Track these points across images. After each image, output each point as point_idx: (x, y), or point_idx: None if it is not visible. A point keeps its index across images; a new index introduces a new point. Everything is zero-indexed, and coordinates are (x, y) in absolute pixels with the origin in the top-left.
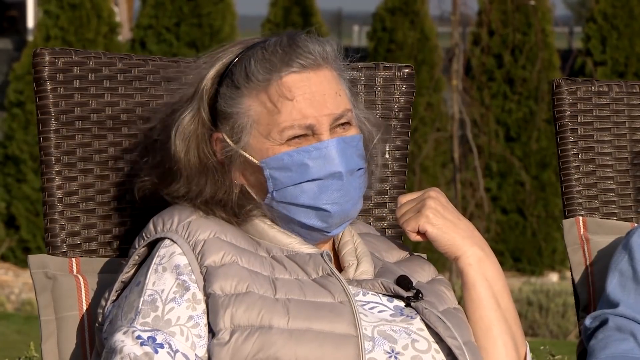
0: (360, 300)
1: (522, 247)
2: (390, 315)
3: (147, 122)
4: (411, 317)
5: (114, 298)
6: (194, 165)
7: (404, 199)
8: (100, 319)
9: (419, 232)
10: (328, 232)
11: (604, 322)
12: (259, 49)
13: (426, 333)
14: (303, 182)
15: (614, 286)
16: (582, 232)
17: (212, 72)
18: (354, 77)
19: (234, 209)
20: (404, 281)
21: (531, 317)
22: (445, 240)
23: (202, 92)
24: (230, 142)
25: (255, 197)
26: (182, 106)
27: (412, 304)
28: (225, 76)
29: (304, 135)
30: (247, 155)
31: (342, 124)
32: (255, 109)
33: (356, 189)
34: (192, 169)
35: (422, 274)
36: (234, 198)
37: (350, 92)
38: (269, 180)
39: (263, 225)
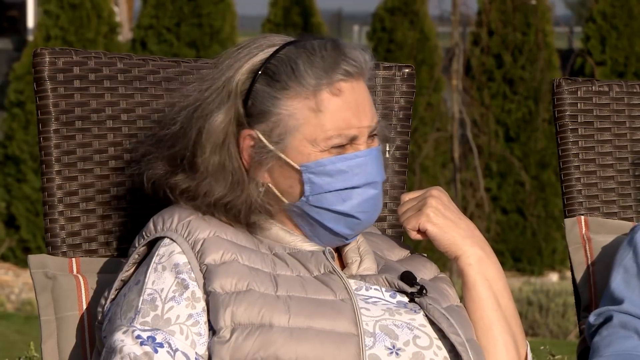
0: (362, 295)
1: (522, 247)
2: (394, 306)
3: (148, 122)
4: (414, 312)
5: (114, 297)
6: (214, 164)
7: (406, 196)
8: (100, 318)
9: (419, 231)
10: (347, 240)
11: (608, 319)
12: (303, 52)
13: (429, 329)
14: (342, 190)
15: (618, 283)
16: (583, 232)
17: (246, 67)
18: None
19: (238, 215)
20: (408, 277)
21: (531, 317)
22: (445, 239)
23: (235, 88)
24: (267, 143)
25: (282, 198)
26: (211, 101)
27: (416, 299)
28: (262, 73)
29: (344, 145)
30: (285, 157)
31: (374, 136)
32: (302, 113)
33: (382, 199)
34: (211, 168)
35: (425, 272)
36: (256, 197)
37: (374, 102)
38: (307, 185)
39: (265, 223)
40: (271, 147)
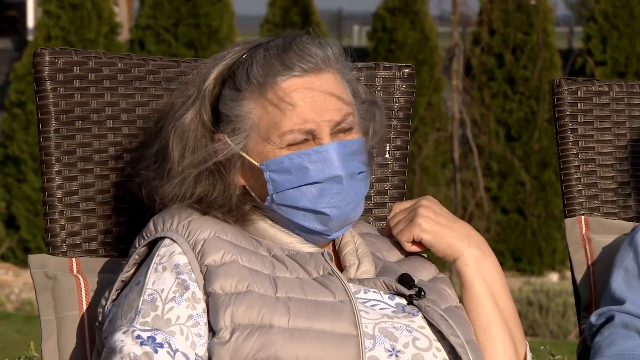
0: (361, 298)
1: (522, 247)
2: (392, 312)
3: (148, 122)
4: (413, 314)
5: (114, 297)
6: (187, 165)
7: (397, 208)
8: (100, 318)
9: (414, 242)
10: (328, 235)
11: (609, 319)
12: (262, 51)
13: (428, 331)
14: (302, 185)
15: (619, 283)
16: (584, 232)
17: (214, 73)
18: (357, 76)
19: (231, 210)
20: (406, 279)
21: (531, 317)
22: (441, 245)
23: (204, 93)
24: (231, 144)
25: (257, 198)
26: (183, 106)
27: (414, 301)
28: (228, 78)
29: (305, 140)
30: (247, 157)
31: (344, 130)
32: (256, 112)
33: (357, 192)
34: (185, 170)
35: (424, 272)
36: (234, 199)
37: (353, 93)
38: (269, 183)
39: (264, 225)
40: (234, 147)
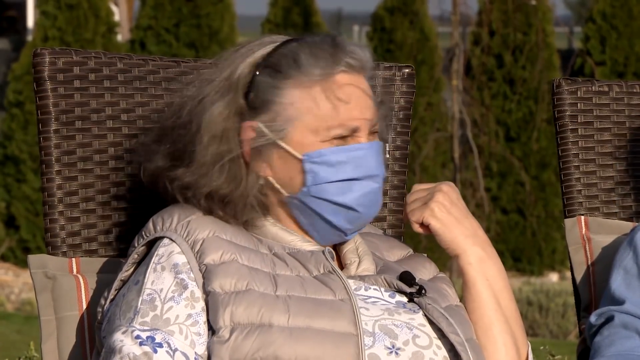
0: (361, 295)
1: (522, 247)
2: (393, 307)
3: (148, 121)
4: (414, 312)
5: (113, 297)
6: (213, 154)
7: (417, 187)
8: (99, 318)
9: (422, 225)
10: (346, 235)
11: (609, 319)
12: (305, 45)
13: (428, 329)
14: (341, 181)
15: (618, 284)
16: (583, 232)
17: (248, 61)
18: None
19: (234, 209)
20: (406, 277)
21: (531, 317)
22: (446, 236)
23: (237, 81)
24: (268, 133)
25: (281, 190)
26: (212, 95)
27: (415, 299)
28: (265, 66)
29: (346, 136)
30: (287, 147)
31: (374, 132)
32: (304, 102)
33: (381, 194)
34: (209, 159)
35: (424, 272)
36: (254, 190)
37: (376, 102)
38: (308, 174)
39: (265, 223)
40: (272, 137)
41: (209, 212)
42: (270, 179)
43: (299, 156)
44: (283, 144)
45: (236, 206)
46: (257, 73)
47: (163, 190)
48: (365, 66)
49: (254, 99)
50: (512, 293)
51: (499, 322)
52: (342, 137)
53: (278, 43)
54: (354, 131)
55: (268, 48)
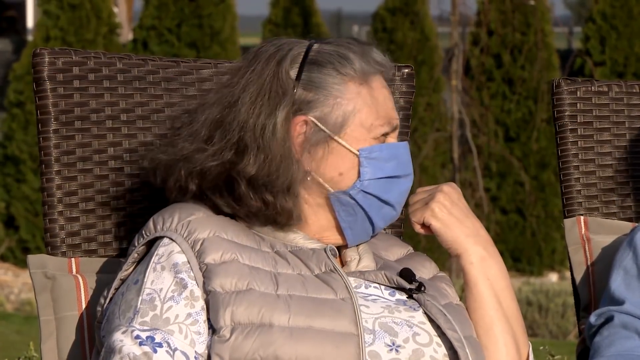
0: (362, 293)
1: (521, 247)
2: (394, 304)
3: (148, 122)
4: (414, 309)
5: (112, 296)
6: (277, 160)
7: (419, 190)
8: (99, 317)
9: (423, 225)
10: (373, 234)
11: (609, 319)
12: (340, 45)
13: (428, 326)
14: (390, 177)
15: (618, 284)
16: (583, 232)
17: (288, 59)
18: None
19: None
20: (406, 273)
21: (531, 317)
22: (447, 236)
23: (285, 85)
24: (323, 127)
25: (325, 185)
26: (263, 97)
27: (414, 295)
28: (309, 63)
29: (384, 134)
30: (342, 141)
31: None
32: (359, 98)
33: None
34: (274, 166)
35: (424, 271)
36: (296, 186)
37: None
38: (363, 168)
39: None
40: (327, 131)
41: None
42: (315, 175)
43: (355, 151)
44: (338, 139)
45: (285, 192)
46: (303, 70)
47: (174, 183)
48: (388, 71)
49: (304, 95)
50: (513, 292)
51: (500, 322)
52: (384, 135)
53: (307, 43)
54: (394, 130)
55: (302, 47)
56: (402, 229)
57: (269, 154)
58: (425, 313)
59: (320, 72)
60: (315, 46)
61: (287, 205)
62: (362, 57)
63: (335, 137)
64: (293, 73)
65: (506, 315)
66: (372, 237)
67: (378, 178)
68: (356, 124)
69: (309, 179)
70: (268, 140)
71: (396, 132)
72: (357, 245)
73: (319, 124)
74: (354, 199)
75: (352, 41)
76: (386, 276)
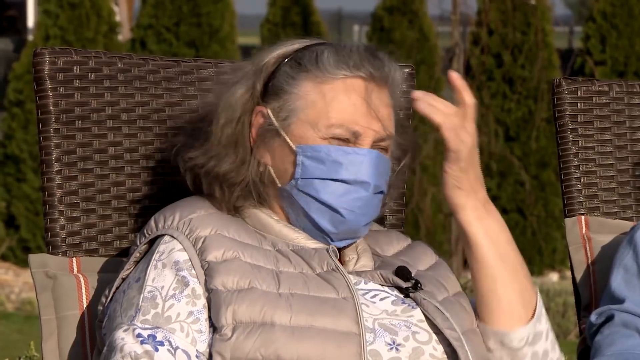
0: (362, 289)
1: (522, 247)
2: (392, 302)
3: (148, 121)
4: (412, 307)
5: (113, 295)
6: (227, 136)
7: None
8: (100, 316)
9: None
10: (332, 240)
11: (609, 318)
12: (333, 46)
13: (426, 325)
14: (330, 180)
15: (618, 282)
16: (584, 231)
17: (277, 53)
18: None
19: (230, 193)
20: (402, 271)
21: None
22: (458, 174)
23: (262, 67)
24: (274, 119)
25: (276, 180)
26: (238, 80)
27: (410, 294)
28: (291, 58)
29: (347, 139)
30: (286, 136)
31: (382, 148)
32: (311, 96)
33: (374, 207)
34: (224, 140)
35: (424, 259)
36: (254, 177)
37: (395, 121)
38: (299, 167)
39: (269, 220)
40: (277, 123)
41: (208, 191)
42: (269, 167)
43: (294, 147)
44: (283, 133)
45: (234, 190)
46: (282, 64)
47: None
48: (390, 81)
49: (270, 86)
50: (514, 245)
51: (503, 280)
52: (344, 140)
53: (313, 42)
54: (355, 136)
55: (297, 46)
56: (403, 228)
57: (222, 141)
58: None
59: (289, 67)
60: (314, 46)
61: (242, 195)
62: (337, 58)
63: (281, 131)
64: (272, 67)
65: (508, 270)
66: (339, 242)
67: (316, 178)
68: (303, 120)
69: (261, 169)
70: (226, 127)
71: (367, 140)
72: (356, 245)
73: (271, 115)
74: (293, 196)
75: (359, 46)
76: (382, 276)
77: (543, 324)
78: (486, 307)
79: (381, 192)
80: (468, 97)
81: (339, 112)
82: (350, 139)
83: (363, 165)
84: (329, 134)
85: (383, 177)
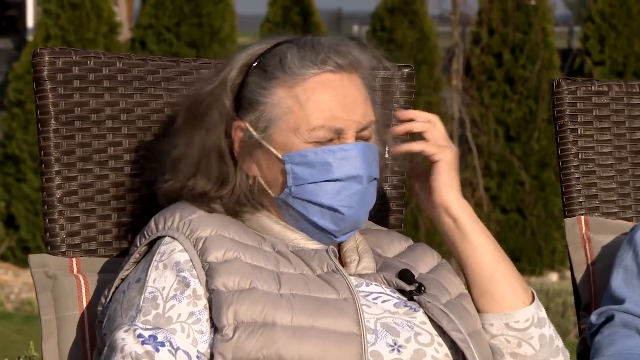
0: (363, 291)
1: (521, 247)
2: (394, 305)
3: (148, 121)
4: (414, 310)
5: (112, 295)
6: (201, 152)
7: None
8: (100, 316)
9: (429, 158)
10: (336, 237)
11: (609, 318)
12: (293, 45)
13: (429, 326)
14: (323, 181)
15: (618, 282)
16: (583, 231)
17: (239, 62)
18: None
19: (225, 204)
20: (405, 274)
21: None
22: (445, 179)
23: (225, 80)
24: (253, 132)
25: (268, 190)
26: (202, 94)
27: (414, 297)
28: (255, 66)
29: (331, 139)
30: (270, 147)
31: (365, 137)
32: (286, 102)
33: (371, 197)
34: (192, 160)
35: (426, 261)
36: (243, 189)
37: (373, 103)
38: (289, 175)
39: (268, 221)
40: (257, 136)
41: (210, 207)
42: (259, 179)
43: (280, 157)
44: (266, 144)
45: (226, 203)
46: (248, 74)
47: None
48: (358, 65)
49: (242, 99)
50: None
51: (501, 265)
52: (329, 140)
53: (273, 44)
54: (338, 133)
55: (262, 49)
56: (403, 228)
57: (195, 160)
58: (426, 313)
59: (257, 77)
60: (276, 48)
61: (237, 205)
62: (301, 58)
63: (263, 142)
64: (238, 79)
65: (502, 255)
66: (342, 237)
67: (308, 183)
68: (283, 128)
69: (250, 182)
70: (198, 144)
71: (350, 133)
72: (357, 246)
73: (250, 129)
74: (289, 204)
75: (320, 39)
76: (385, 279)
77: (544, 312)
78: (489, 294)
79: (375, 179)
80: (425, 116)
81: (318, 113)
82: (334, 137)
83: (352, 160)
84: (312, 138)
85: (374, 165)
